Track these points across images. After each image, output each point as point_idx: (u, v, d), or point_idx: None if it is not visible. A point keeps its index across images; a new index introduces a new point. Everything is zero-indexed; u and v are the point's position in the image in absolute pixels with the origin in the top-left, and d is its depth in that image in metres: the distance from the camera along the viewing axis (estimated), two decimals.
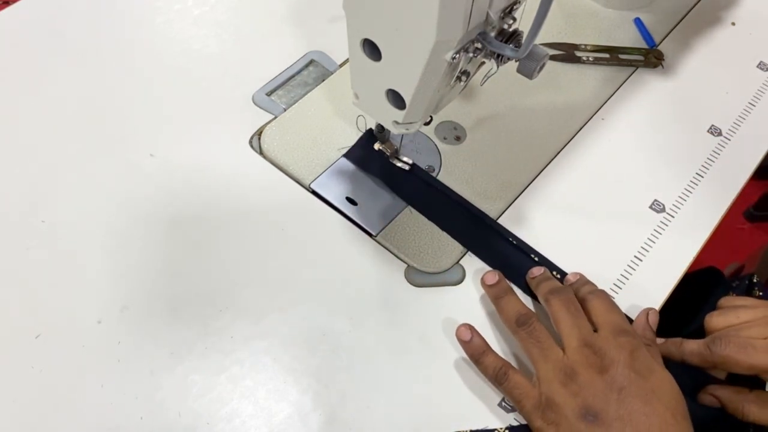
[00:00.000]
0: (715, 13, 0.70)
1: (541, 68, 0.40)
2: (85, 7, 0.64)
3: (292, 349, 0.46)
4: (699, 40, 0.67)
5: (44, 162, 0.53)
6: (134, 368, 0.44)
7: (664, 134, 0.60)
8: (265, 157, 0.55)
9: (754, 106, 0.63)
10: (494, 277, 0.48)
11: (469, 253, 0.51)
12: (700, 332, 0.47)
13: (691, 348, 0.45)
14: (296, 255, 0.50)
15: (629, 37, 0.66)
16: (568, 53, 0.64)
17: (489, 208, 0.53)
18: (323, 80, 0.60)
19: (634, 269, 0.51)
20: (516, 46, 0.39)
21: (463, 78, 0.42)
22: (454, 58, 0.37)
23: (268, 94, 0.59)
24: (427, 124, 0.48)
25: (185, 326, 0.46)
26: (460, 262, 0.51)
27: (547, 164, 0.57)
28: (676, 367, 0.44)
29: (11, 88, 0.57)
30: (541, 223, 0.53)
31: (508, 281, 0.49)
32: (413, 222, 0.52)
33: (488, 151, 0.57)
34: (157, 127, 0.56)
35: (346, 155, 0.55)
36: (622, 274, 0.51)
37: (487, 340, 0.46)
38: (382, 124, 0.47)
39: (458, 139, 0.57)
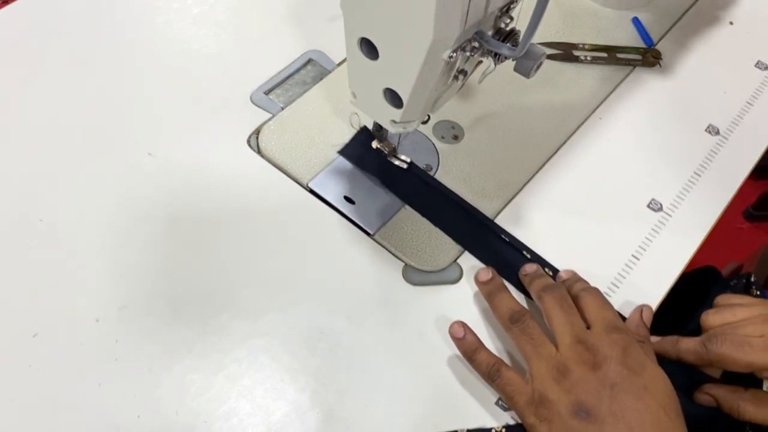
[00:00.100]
0: (713, 13, 0.70)
1: (538, 67, 0.40)
2: (85, 7, 0.64)
3: (290, 347, 0.46)
4: (697, 39, 0.68)
5: (43, 161, 0.53)
6: (132, 367, 0.44)
7: (662, 133, 0.60)
8: (263, 156, 0.55)
9: (752, 105, 0.63)
10: (487, 274, 0.48)
11: (466, 251, 0.51)
12: (697, 331, 0.47)
13: (687, 346, 0.45)
14: (294, 254, 0.50)
15: (627, 37, 0.67)
16: (565, 52, 0.64)
17: (486, 207, 0.53)
18: (321, 79, 0.60)
19: (632, 268, 0.52)
20: (513, 45, 0.39)
21: (461, 77, 0.42)
22: (451, 57, 0.37)
23: (267, 93, 0.59)
24: (424, 122, 0.48)
25: (183, 325, 0.46)
26: (458, 260, 0.51)
27: (545, 163, 0.57)
28: (671, 365, 0.44)
29: (11, 87, 0.58)
30: (538, 222, 0.53)
31: (501, 278, 0.49)
32: (411, 221, 0.52)
33: (486, 150, 0.57)
34: (155, 127, 0.56)
35: (341, 152, 0.55)
36: (619, 273, 0.51)
37: (483, 339, 0.46)
38: (380, 123, 0.47)
39: (456, 137, 0.58)
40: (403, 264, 0.50)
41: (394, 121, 0.44)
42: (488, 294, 0.48)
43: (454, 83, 0.43)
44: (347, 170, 0.55)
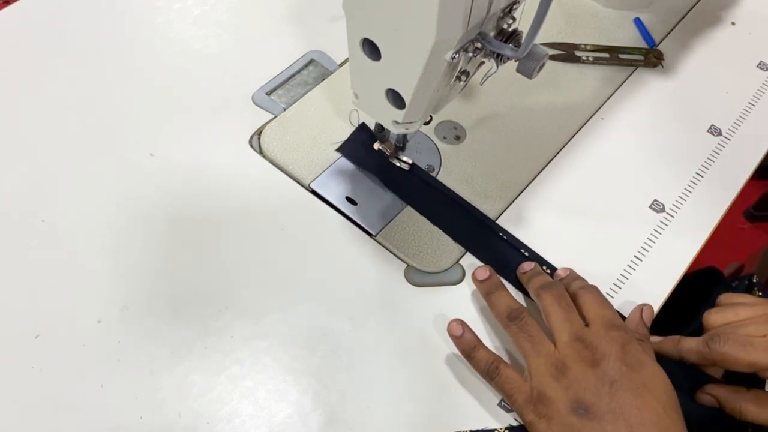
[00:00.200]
0: (715, 13, 0.70)
1: (541, 68, 0.40)
2: (85, 7, 0.63)
3: (292, 348, 0.46)
4: (699, 39, 0.67)
5: (44, 162, 0.53)
6: (134, 368, 0.44)
7: (664, 134, 0.60)
8: (264, 156, 0.55)
9: (754, 105, 0.63)
10: (485, 272, 0.48)
11: (469, 253, 0.51)
12: (699, 332, 0.46)
13: (689, 345, 0.45)
14: (296, 255, 0.50)
15: (629, 37, 0.66)
16: (567, 53, 0.64)
17: (489, 208, 0.53)
18: (323, 80, 0.60)
19: (634, 269, 0.51)
20: (516, 46, 0.39)
21: (463, 78, 0.42)
22: (453, 58, 0.37)
23: (268, 94, 0.59)
24: (426, 123, 0.48)
25: (185, 326, 0.46)
26: (460, 261, 0.51)
27: (547, 164, 0.57)
28: (673, 366, 0.44)
29: (11, 88, 0.57)
30: (540, 223, 0.53)
31: (499, 276, 0.49)
32: (413, 222, 0.52)
33: (488, 151, 0.57)
34: (157, 127, 0.56)
35: (339, 149, 0.55)
36: (621, 274, 0.51)
37: (484, 339, 0.46)
38: (382, 123, 0.47)
39: (458, 138, 0.57)
40: (405, 265, 0.50)
41: (397, 122, 0.44)
42: (486, 292, 0.48)
43: (456, 84, 0.43)
44: (349, 171, 0.55)
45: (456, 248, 0.51)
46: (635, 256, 0.52)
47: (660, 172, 0.57)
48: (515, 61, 0.40)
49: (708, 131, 0.60)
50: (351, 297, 0.48)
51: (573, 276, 0.49)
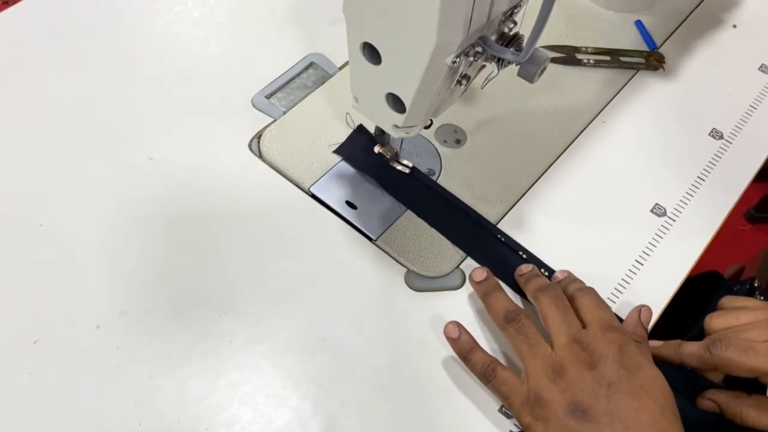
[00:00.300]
0: (717, 16, 0.70)
1: (542, 72, 0.40)
2: (85, 8, 0.63)
3: (292, 353, 0.46)
4: (700, 42, 0.67)
5: (43, 163, 0.53)
6: (133, 373, 0.44)
7: (666, 137, 0.60)
8: (264, 160, 0.55)
9: (755, 108, 0.62)
10: (482, 273, 0.48)
11: (469, 257, 0.51)
12: (700, 337, 0.46)
13: (690, 350, 0.45)
14: (296, 259, 0.50)
15: (630, 40, 0.66)
16: (568, 56, 0.64)
17: (489, 211, 0.53)
18: (323, 83, 0.60)
19: (636, 273, 0.51)
20: (517, 50, 0.39)
21: (464, 82, 0.42)
22: (454, 62, 0.37)
23: (268, 97, 0.59)
24: (427, 127, 0.48)
25: (184, 331, 0.46)
26: (460, 266, 0.51)
27: (548, 168, 0.57)
28: (673, 370, 0.43)
29: (11, 88, 0.57)
30: (541, 227, 0.53)
31: (496, 278, 0.49)
32: (413, 226, 0.52)
33: (489, 155, 0.57)
34: (156, 130, 0.56)
35: (337, 151, 0.55)
36: (623, 279, 0.51)
37: (484, 343, 0.46)
38: (382, 127, 0.47)
39: (458, 142, 0.57)
40: (405, 269, 0.50)
41: (397, 126, 0.44)
42: (483, 293, 0.47)
43: (457, 88, 0.43)
44: (349, 175, 0.54)
45: (456, 253, 0.51)
46: (636, 261, 0.52)
47: (661, 175, 0.57)
48: (516, 65, 0.39)
49: (709, 134, 0.60)
50: (351, 301, 0.48)
51: (571, 278, 0.49)
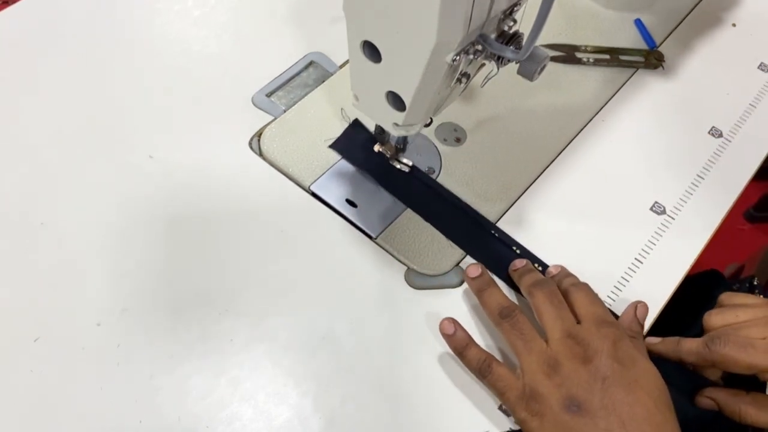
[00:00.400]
0: (716, 14, 0.70)
1: (542, 70, 0.40)
2: (85, 8, 0.63)
3: (292, 352, 0.46)
4: (700, 41, 0.67)
5: (43, 163, 0.53)
6: (134, 371, 0.44)
7: (665, 136, 0.60)
8: (264, 158, 0.55)
9: (755, 107, 0.62)
10: (477, 269, 0.48)
11: (468, 255, 0.51)
12: (700, 335, 0.46)
13: (689, 347, 0.45)
14: (296, 257, 0.50)
15: (630, 39, 0.66)
16: (568, 54, 0.64)
17: (489, 210, 0.53)
18: (323, 81, 0.60)
19: (635, 272, 0.51)
20: (516, 48, 0.39)
21: (464, 80, 0.42)
22: (454, 60, 0.37)
23: (268, 96, 0.59)
24: (427, 125, 0.48)
25: (185, 329, 0.46)
26: (460, 264, 0.51)
27: (548, 166, 0.57)
28: (671, 368, 0.44)
29: (11, 88, 0.57)
30: (541, 225, 0.53)
31: (490, 274, 0.49)
32: (413, 224, 0.52)
33: (488, 153, 0.57)
34: (156, 128, 0.56)
35: (333, 146, 0.55)
36: (622, 277, 0.51)
37: (483, 340, 0.46)
38: (382, 125, 0.47)
39: (458, 140, 0.57)
40: (405, 267, 0.50)
41: (397, 124, 0.44)
42: (478, 289, 0.47)
43: (457, 86, 0.43)
44: (349, 173, 0.54)
45: (456, 251, 0.51)
46: (636, 259, 0.52)
47: (661, 174, 0.57)
48: (516, 63, 0.39)
49: (709, 133, 0.60)
50: (351, 299, 0.48)
51: (564, 273, 0.49)
